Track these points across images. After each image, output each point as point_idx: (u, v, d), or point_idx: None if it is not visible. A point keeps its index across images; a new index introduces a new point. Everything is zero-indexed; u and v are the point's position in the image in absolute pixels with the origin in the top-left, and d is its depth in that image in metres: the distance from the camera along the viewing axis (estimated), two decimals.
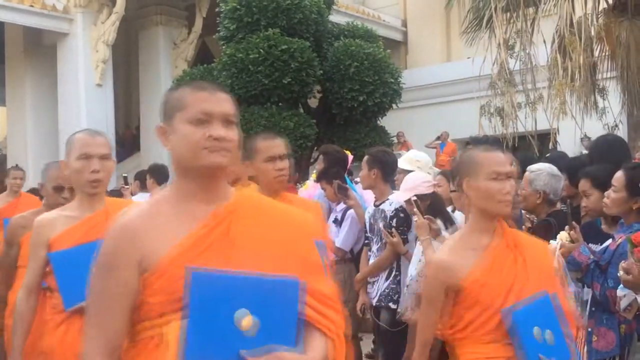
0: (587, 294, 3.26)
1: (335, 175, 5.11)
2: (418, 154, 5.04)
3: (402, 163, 4.82)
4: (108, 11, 13.63)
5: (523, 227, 4.51)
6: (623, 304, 2.85)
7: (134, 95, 16.90)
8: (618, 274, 2.80)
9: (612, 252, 3.04)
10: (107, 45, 13.63)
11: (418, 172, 4.47)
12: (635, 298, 2.78)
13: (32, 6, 13.14)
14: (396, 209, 4.34)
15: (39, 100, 14.58)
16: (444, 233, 3.97)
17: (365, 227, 4.69)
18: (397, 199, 4.33)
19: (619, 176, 3.14)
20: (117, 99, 14.72)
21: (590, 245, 3.34)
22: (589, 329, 3.13)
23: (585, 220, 3.79)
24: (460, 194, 3.59)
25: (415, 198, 3.92)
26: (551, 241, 3.27)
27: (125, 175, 8.41)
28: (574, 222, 3.24)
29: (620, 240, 3.04)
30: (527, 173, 3.97)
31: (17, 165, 7.98)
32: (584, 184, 3.48)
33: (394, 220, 4.32)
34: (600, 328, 3.05)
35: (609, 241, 3.18)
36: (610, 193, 3.19)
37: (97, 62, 13.67)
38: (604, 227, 3.43)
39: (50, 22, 13.52)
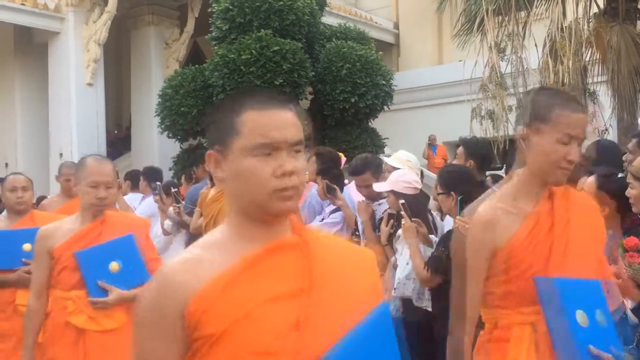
0: None
1: (335, 178, 5.09)
2: (408, 154, 5.06)
3: (392, 161, 4.83)
4: (100, 10, 13.56)
5: None
6: None
7: (125, 95, 16.82)
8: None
9: None
10: (99, 44, 13.55)
11: (407, 171, 4.46)
12: (622, 301, 2.80)
13: (23, 4, 13.07)
14: (386, 211, 4.36)
15: (29, 99, 14.49)
16: (431, 236, 3.97)
17: (356, 226, 4.71)
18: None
19: (590, 181, 3.17)
20: (108, 98, 14.65)
21: None
22: None
23: None
24: (447, 197, 3.59)
25: (403, 201, 3.92)
26: None
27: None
28: None
29: None
30: None
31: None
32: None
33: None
34: None
35: None
36: None
37: (88, 62, 13.59)
38: None
39: (42, 20, 13.44)
